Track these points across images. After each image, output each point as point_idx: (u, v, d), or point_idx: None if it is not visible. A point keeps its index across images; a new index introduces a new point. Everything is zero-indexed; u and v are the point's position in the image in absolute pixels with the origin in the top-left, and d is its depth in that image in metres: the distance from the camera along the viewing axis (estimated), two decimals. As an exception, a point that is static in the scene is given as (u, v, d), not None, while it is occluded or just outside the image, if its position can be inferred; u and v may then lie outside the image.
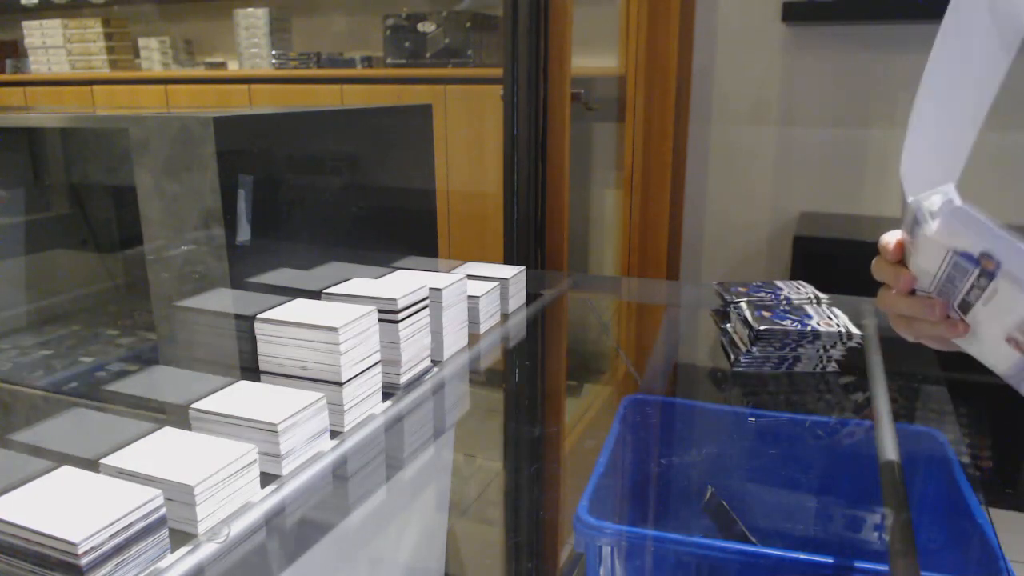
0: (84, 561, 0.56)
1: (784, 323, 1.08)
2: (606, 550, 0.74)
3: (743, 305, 1.15)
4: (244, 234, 0.86)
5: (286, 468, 0.77)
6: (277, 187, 0.91)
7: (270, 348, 0.88)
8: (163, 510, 0.62)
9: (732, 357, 1.12)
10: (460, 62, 2.78)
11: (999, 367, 0.52)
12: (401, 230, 1.21)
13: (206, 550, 0.65)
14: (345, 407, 0.86)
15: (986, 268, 0.48)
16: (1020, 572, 0.67)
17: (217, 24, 3.54)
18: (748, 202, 2.54)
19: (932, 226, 0.51)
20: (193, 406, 0.78)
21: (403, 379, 0.97)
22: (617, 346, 1.40)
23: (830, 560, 0.68)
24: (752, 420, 1.00)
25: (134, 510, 0.59)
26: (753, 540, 0.87)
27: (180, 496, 0.65)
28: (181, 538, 0.65)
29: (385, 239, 1.16)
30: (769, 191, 2.51)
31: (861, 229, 2.26)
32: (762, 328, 1.07)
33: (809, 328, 1.07)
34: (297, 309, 0.89)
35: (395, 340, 0.94)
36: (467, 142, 2.60)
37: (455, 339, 1.10)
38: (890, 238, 0.58)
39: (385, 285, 0.99)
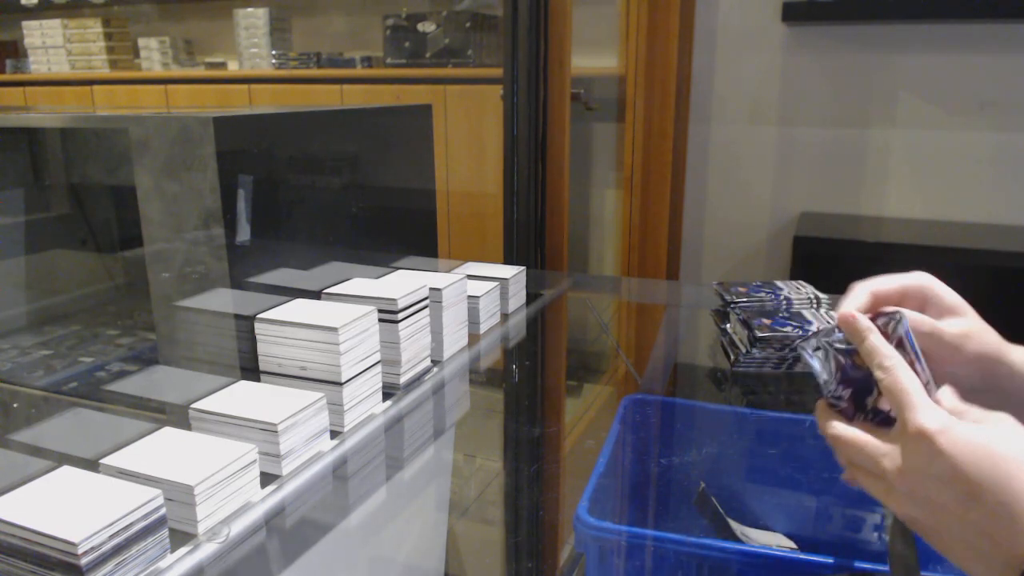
0: (84, 561, 0.56)
1: (785, 329, 1.08)
2: (606, 550, 0.74)
3: (742, 310, 1.15)
4: (244, 234, 0.86)
5: (286, 468, 0.77)
6: (277, 187, 0.91)
7: (270, 348, 0.88)
8: (163, 510, 0.62)
9: (732, 357, 1.12)
10: (460, 62, 2.78)
11: None
12: (401, 230, 1.21)
13: (206, 550, 0.65)
14: (345, 407, 0.86)
15: None
16: (1020, 572, 0.67)
17: (217, 24, 3.54)
18: (748, 202, 2.54)
19: None
20: (193, 406, 0.78)
21: (403, 379, 0.97)
22: (617, 346, 1.40)
23: (830, 560, 0.68)
24: (752, 420, 1.00)
25: (134, 510, 0.59)
26: (736, 536, 0.87)
27: (180, 496, 0.65)
28: (181, 538, 0.65)
29: (385, 239, 1.16)
30: (769, 191, 2.51)
31: (861, 229, 2.26)
32: (762, 335, 1.07)
33: (809, 332, 1.07)
34: (297, 309, 0.89)
35: (395, 340, 0.94)
36: (467, 142, 2.60)
37: (455, 339, 1.10)
38: None
39: (385, 285, 0.99)
